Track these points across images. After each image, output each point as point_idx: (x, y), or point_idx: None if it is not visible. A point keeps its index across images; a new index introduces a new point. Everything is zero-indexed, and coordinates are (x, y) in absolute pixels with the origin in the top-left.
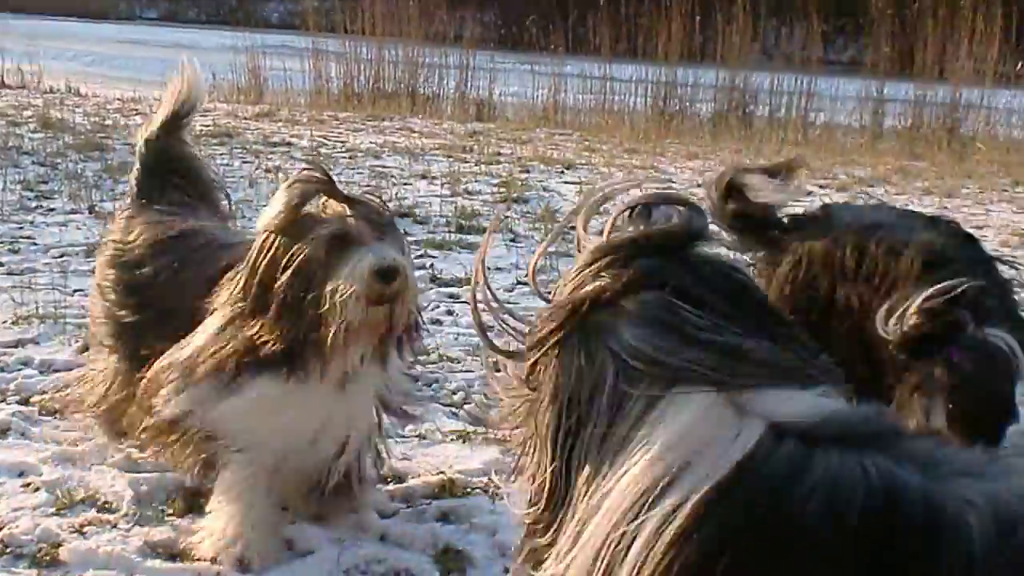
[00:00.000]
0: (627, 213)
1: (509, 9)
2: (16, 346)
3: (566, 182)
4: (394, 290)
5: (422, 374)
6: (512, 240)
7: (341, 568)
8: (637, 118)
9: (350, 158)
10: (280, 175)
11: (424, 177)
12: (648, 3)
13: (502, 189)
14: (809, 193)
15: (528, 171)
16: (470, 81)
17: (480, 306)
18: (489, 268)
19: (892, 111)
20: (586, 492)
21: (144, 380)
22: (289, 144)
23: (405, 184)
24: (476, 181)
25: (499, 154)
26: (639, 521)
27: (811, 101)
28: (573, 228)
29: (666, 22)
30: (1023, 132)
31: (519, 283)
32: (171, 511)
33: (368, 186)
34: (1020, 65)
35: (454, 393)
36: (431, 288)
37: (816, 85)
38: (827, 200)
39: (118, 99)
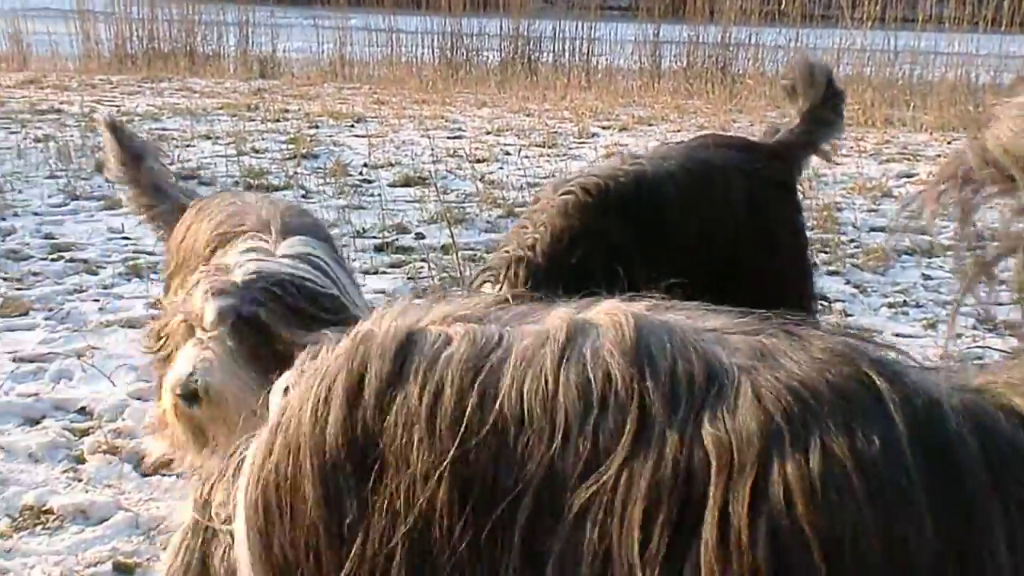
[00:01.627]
0: None
1: None
2: None
3: (356, 135)
4: (203, 415)
5: None
6: (304, 196)
7: None
8: (425, 69)
9: (127, 122)
10: (51, 144)
11: (208, 138)
12: None
13: (291, 146)
14: (594, 134)
15: (317, 127)
16: (252, 38)
17: None
18: None
19: (668, 53)
20: None
21: None
22: (59, 112)
23: (188, 146)
24: (263, 139)
25: (286, 111)
26: None
27: (593, 46)
28: None
29: None
30: (785, 66)
31: None
32: None
33: None
34: (783, 3)
35: None
36: None
37: (596, 30)
38: (610, 140)
39: None
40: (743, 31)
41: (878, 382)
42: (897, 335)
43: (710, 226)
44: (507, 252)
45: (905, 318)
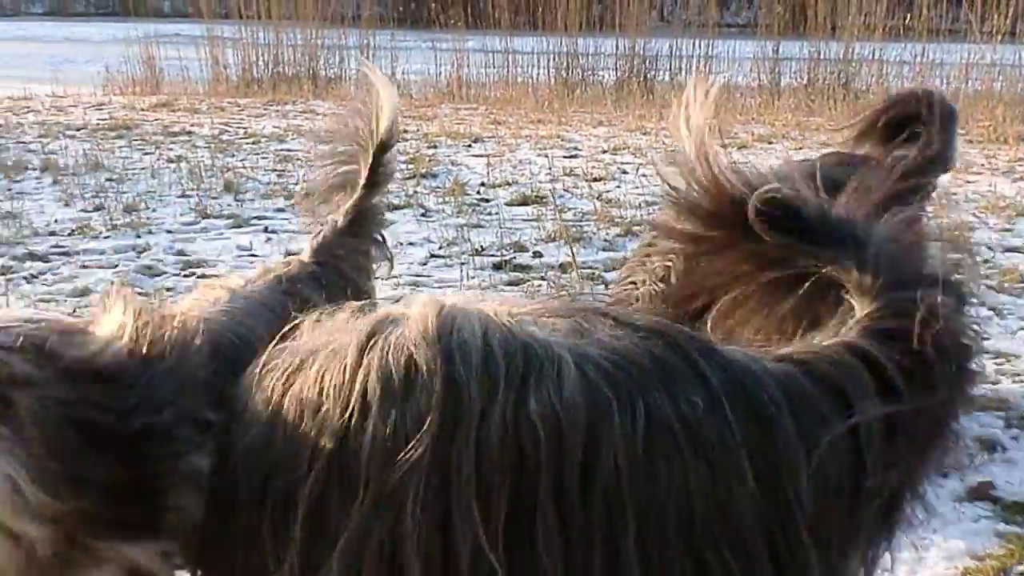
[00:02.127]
0: None
1: None
2: None
3: (474, 155)
4: None
5: None
6: (423, 215)
7: None
8: (541, 89)
9: (253, 143)
10: (183, 164)
11: None
12: None
13: (410, 165)
14: None
15: (435, 146)
16: (372, 61)
17: None
18: (401, 243)
19: (788, 69)
20: None
21: None
22: (190, 133)
23: (312, 166)
24: None
25: (405, 131)
26: None
27: (710, 64)
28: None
29: None
30: (913, 83)
31: (432, 256)
32: None
33: (274, 170)
34: (908, 17)
35: None
36: None
37: (714, 48)
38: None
39: (8, 98)
40: (866, 46)
41: (694, 353)
42: None
43: None
44: (633, 283)
45: None
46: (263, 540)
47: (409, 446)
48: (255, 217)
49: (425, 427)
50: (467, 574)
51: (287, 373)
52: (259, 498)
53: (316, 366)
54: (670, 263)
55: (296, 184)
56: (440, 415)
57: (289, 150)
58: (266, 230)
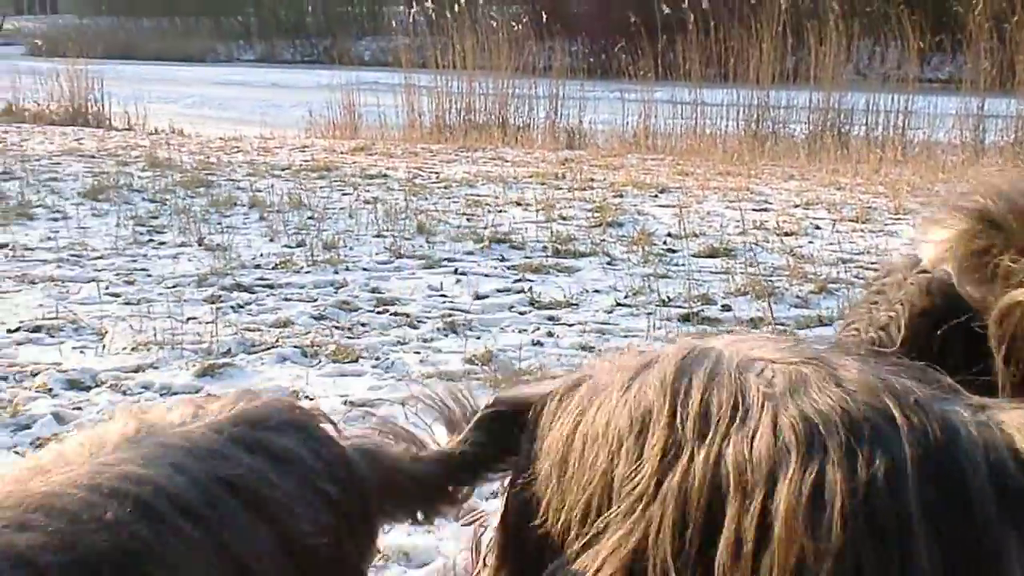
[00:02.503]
0: None
1: (597, 38)
2: (137, 371)
3: (660, 205)
4: None
5: None
6: (609, 263)
7: None
8: (730, 141)
9: (444, 188)
10: (379, 205)
11: (519, 204)
12: (738, 27)
13: (596, 213)
14: (911, 211)
15: (621, 196)
16: (560, 110)
17: None
18: (587, 291)
19: (994, 126)
20: None
21: None
22: (385, 176)
23: (500, 211)
24: (570, 207)
25: (592, 180)
26: None
27: (909, 119)
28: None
29: (757, 44)
30: None
31: (618, 304)
32: None
33: (464, 214)
34: None
35: None
36: (531, 310)
37: (913, 103)
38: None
39: (220, 138)
40: None
41: (894, 409)
42: None
43: None
44: (856, 330)
45: None
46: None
47: (638, 476)
48: (445, 259)
49: (650, 461)
50: None
51: (579, 411)
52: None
53: (596, 405)
54: (894, 313)
55: (484, 228)
56: (660, 452)
57: (478, 195)
58: (456, 272)
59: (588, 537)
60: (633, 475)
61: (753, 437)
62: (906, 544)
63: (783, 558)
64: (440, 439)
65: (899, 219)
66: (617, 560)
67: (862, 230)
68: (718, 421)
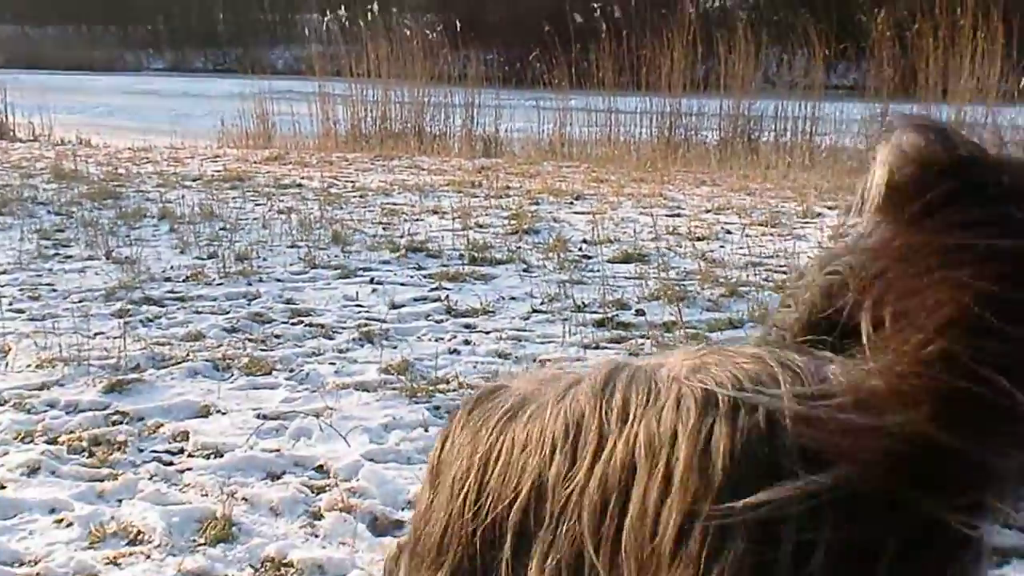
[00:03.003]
0: None
1: (512, 47)
2: (41, 388)
3: (576, 212)
4: None
5: (442, 401)
6: (525, 270)
7: None
8: (643, 147)
9: (360, 197)
10: (293, 215)
11: (435, 212)
12: (650, 35)
13: (513, 221)
14: (818, 214)
15: (537, 203)
16: (476, 118)
17: None
18: (504, 298)
19: None
20: None
21: None
22: (300, 186)
23: (417, 220)
24: (486, 215)
25: (508, 188)
26: None
27: (816, 125)
28: None
29: (668, 53)
30: None
31: (534, 311)
32: (203, 540)
33: (380, 223)
34: (1022, 82)
35: None
36: (447, 319)
37: (820, 109)
38: (836, 220)
39: (129, 148)
40: (979, 110)
41: (779, 373)
42: None
43: None
44: (775, 328)
45: None
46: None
47: (572, 482)
48: (361, 268)
49: (585, 458)
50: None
51: (505, 417)
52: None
53: (528, 415)
54: (797, 315)
55: (401, 237)
56: (593, 448)
57: (395, 204)
58: (372, 281)
59: (522, 537)
60: (567, 474)
61: (661, 411)
62: (777, 475)
63: (681, 502)
64: None
65: (807, 223)
66: (557, 553)
67: (771, 234)
68: (635, 408)
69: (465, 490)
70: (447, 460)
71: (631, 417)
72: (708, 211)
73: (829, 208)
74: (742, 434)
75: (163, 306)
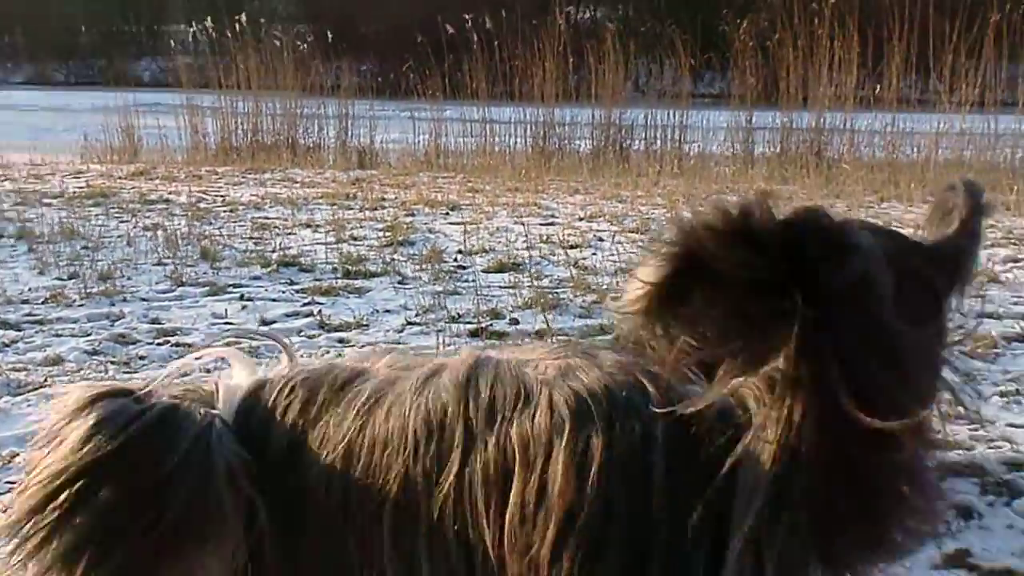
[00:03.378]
0: None
1: (385, 58)
2: None
3: (451, 223)
4: None
5: None
6: (400, 282)
7: None
8: (518, 157)
9: (230, 211)
10: (159, 232)
11: (308, 226)
12: (521, 46)
13: (388, 233)
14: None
15: (413, 214)
16: (350, 130)
17: None
18: (378, 311)
19: (761, 138)
20: None
21: None
22: (167, 201)
23: (289, 234)
24: (361, 227)
25: (383, 199)
26: None
27: (685, 133)
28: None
29: (540, 63)
30: (884, 152)
31: (409, 323)
32: None
33: (251, 237)
34: (878, 88)
35: None
36: (320, 334)
37: (688, 118)
38: None
39: None
40: (837, 116)
41: (648, 386)
42: (1011, 425)
43: None
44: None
45: (1019, 407)
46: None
47: (445, 485)
48: (231, 285)
49: (452, 458)
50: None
51: (365, 408)
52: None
53: (385, 406)
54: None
55: (272, 251)
56: (461, 448)
57: (267, 218)
58: (242, 298)
59: (399, 536)
60: (438, 476)
61: (534, 415)
62: (649, 491)
63: (557, 511)
64: None
65: None
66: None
67: (642, 241)
68: (503, 409)
69: (331, 484)
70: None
71: (500, 418)
72: (581, 219)
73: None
74: (617, 448)
75: (20, 330)
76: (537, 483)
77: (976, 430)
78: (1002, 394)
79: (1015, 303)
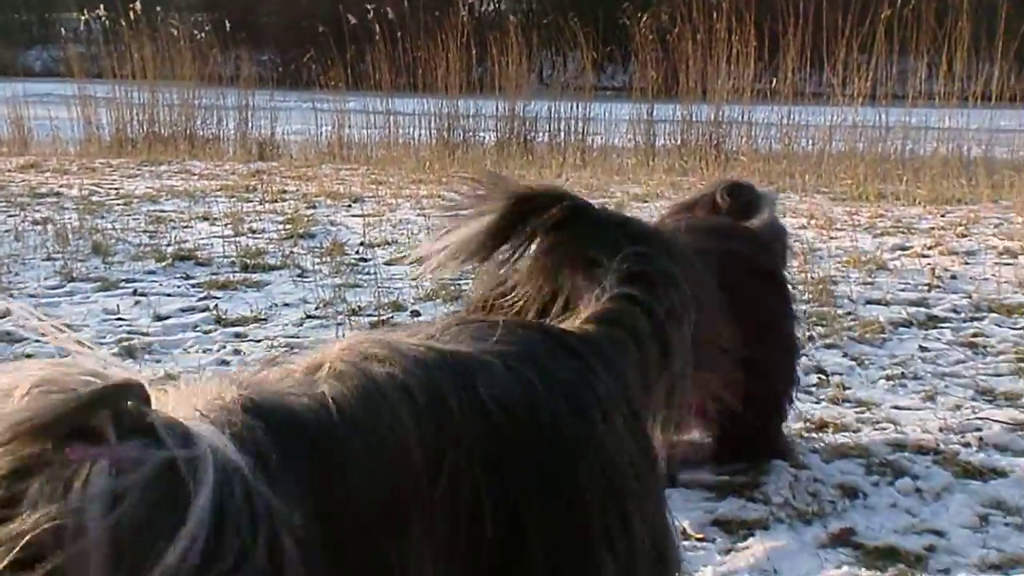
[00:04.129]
0: None
1: (286, 48)
2: None
3: (354, 215)
4: None
5: None
6: (300, 276)
7: None
8: (422, 149)
9: (125, 204)
10: (49, 226)
11: (206, 219)
12: (424, 37)
13: (288, 226)
14: None
15: (314, 207)
16: (251, 121)
17: None
18: (276, 305)
19: (662, 131)
20: None
21: None
22: (58, 194)
23: (185, 227)
24: (260, 220)
25: (284, 192)
26: None
27: (588, 125)
28: None
29: (443, 55)
30: (780, 144)
31: (308, 317)
32: None
33: (146, 231)
34: (774, 81)
35: None
36: (216, 329)
37: (591, 110)
38: None
39: None
40: (735, 109)
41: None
42: (896, 407)
43: None
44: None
45: (904, 390)
46: None
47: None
48: (124, 280)
49: None
50: None
51: None
52: None
53: None
54: None
55: (168, 245)
56: None
57: (162, 211)
58: (135, 293)
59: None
60: None
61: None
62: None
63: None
64: None
65: None
66: None
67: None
68: None
69: None
70: None
71: None
72: None
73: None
74: None
75: None
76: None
77: (863, 413)
78: (888, 378)
79: (902, 290)
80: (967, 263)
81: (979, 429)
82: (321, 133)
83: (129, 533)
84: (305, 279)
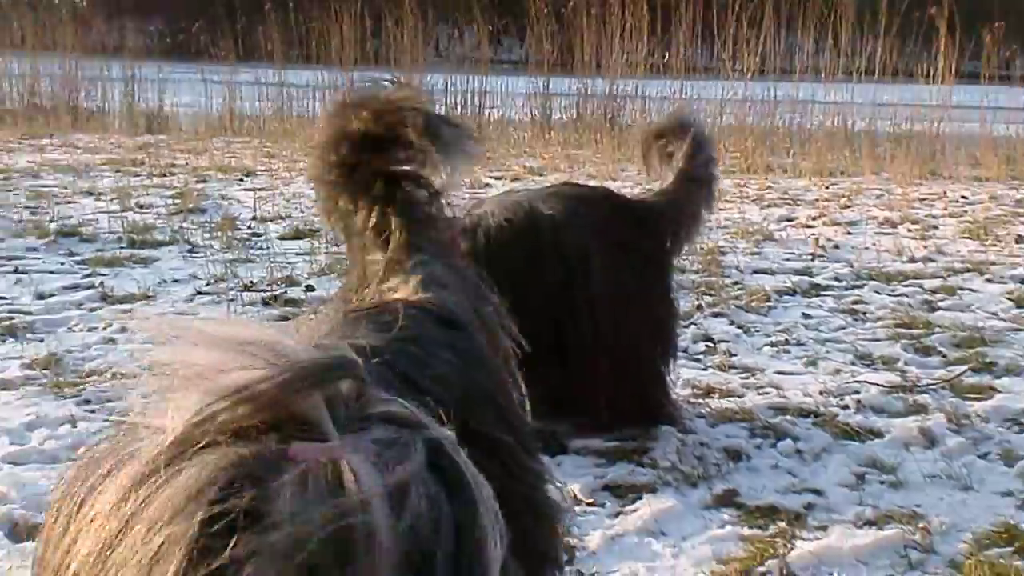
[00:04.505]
0: None
1: (173, 17)
2: None
3: (245, 189)
4: None
5: (93, 394)
6: (190, 251)
7: None
8: (316, 122)
9: (4, 179)
10: None
11: (91, 194)
12: (317, 8)
13: (177, 200)
14: (486, 185)
15: (205, 181)
16: (137, 93)
17: None
18: (166, 281)
19: (558, 105)
20: None
21: None
22: None
23: (69, 203)
24: (148, 194)
25: (173, 165)
26: None
27: (485, 99)
28: None
29: (338, 27)
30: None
31: (199, 293)
32: None
33: (27, 207)
34: (667, 56)
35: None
36: (102, 307)
37: (488, 83)
38: (502, 191)
39: None
40: (629, 83)
41: None
42: (779, 372)
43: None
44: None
45: (787, 356)
46: None
47: None
48: (4, 258)
49: None
50: None
51: None
52: None
53: None
54: None
55: (51, 221)
56: None
57: (44, 186)
58: (16, 271)
59: None
60: None
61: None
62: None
63: None
64: None
65: (476, 193)
66: None
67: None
68: None
69: None
70: None
71: None
72: None
73: (496, 179)
74: None
75: None
76: None
77: (747, 379)
78: (772, 344)
79: (787, 259)
80: (849, 233)
81: (857, 392)
82: (212, 105)
83: (419, 532)
84: (196, 255)
